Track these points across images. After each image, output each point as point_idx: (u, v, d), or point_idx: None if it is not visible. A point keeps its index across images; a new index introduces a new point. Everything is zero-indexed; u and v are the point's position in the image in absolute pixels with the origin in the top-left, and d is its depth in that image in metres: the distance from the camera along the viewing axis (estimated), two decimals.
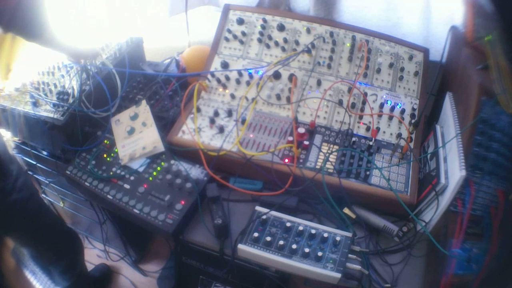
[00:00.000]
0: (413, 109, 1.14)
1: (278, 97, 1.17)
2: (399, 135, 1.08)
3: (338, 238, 0.90)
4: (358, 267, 0.88)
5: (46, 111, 1.17)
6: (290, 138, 1.07)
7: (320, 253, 0.87)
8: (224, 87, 1.22)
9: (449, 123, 0.96)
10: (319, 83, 1.18)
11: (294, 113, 1.13)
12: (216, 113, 1.16)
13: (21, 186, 1.20)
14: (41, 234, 1.38)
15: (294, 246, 0.89)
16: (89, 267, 1.81)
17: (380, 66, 1.18)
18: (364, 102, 1.14)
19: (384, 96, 1.15)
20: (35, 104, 1.20)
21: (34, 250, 1.51)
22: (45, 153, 1.33)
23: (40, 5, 0.94)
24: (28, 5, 0.91)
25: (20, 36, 0.98)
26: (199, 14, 1.60)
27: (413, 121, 1.10)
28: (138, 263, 1.83)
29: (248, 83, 1.20)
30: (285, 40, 1.24)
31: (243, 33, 1.28)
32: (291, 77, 1.18)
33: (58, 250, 1.47)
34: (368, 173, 1.01)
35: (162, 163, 1.11)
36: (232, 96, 1.19)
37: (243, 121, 1.12)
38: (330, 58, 1.21)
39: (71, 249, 1.52)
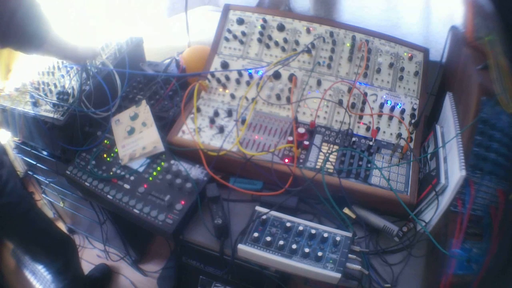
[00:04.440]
0: (413, 109, 1.14)
1: (278, 97, 1.17)
2: (399, 135, 1.08)
3: (338, 238, 0.90)
4: (358, 267, 0.88)
5: (46, 111, 1.17)
6: (290, 138, 1.07)
7: (320, 253, 0.87)
8: (224, 87, 1.22)
9: (449, 123, 0.96)
10: (319, 83, 1.18)
11: (294, 113, 1.13)
12: (216, 113, 1.16)
13: (10, 190, 1.23)
14: (32, 237, 1.39)
15: (294, 246, 0.89)
16: (89, 267, 1.82)
17: (380, 66, 1.18)
18: (364, 102, 1.14)
19: (384, 96, 1.15)
20: (35, 104, 1.20)
21: (26, 252, 1.53)
22: (45, 153, 1.33)
23: (39, 13, 0.91)
24: (25, 14, 0.87)
25: (18, 49, 0.94)
26: (199, 14, 1.60)
27: (413, 121, 1.10)
28: (138, 263, 1.83)
29: (248, 83, 1.20)
30: (285, 40, 1.24)
31: (243, 33, 1.28)
32: (291, 77, 1.18)
33: (50, 253, 1.48)
34: (368, 173, 1.01)
35: (162, 163, 1.11)
36: (232, 96, 1.19)
37: (243, 121, 1.12)
38: (330, 58, 1.21)
39: (64, 253, 1.54)
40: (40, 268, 1.70)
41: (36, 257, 1.53)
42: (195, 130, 1.13)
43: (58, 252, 1.50)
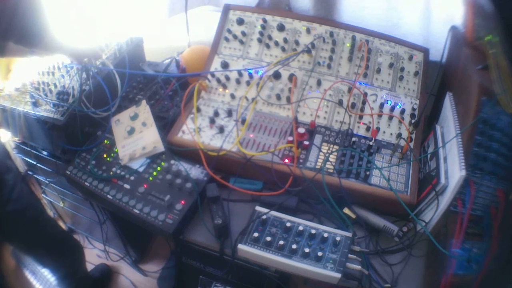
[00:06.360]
0: (413, 109, 1.14)
1: (278, 97, 1.17)
2: (399, 135, 1.08)
3: (338, 238, 0.90)
4: (358, 267, 0.88)
5: (46, 111, 1.17)
6: (290, 138, 1.07)
7: (320, 253, 0.87)
8: (224, 87, 1.22)
9: (449, 123, 0.96)
10: (319, 83, 1.18)
11: (294, 113, 1.13)
12: (216, 113, 1.16)
13: (17, 196, 1.21)
14: (40, 243, 1.37)
15: (294, 246, 0.89)
16: (89, 267, 1.82)
17: (380, 66, 1.18)
18: (364, 102, 1.14)
19: (384, 96, 1.15)
20: (35, 104, 1.20)
21: (33, 257, 1.51)
22: (45, 153, 1.33)
23: (39, 9, 0.92)
24: (27, 10, 0.88)
25: (19, 44, 0.95)
26: (199, 14, 1.60)
27: (413, 121, 1.10)
28: (138, 263, 1.83)
29: (248, 83, 1.20)
30: (285, 40, 1.24)
31: (243, 33, 1.28)
32: (291, 77, 1.18)
33: (57, 258, 1.47)
34: (368, 173, 1.01)
35: (162, 163, 1.11)
36: (232, 96, 1.19)
37: (243, 121, 1.12)
38: (330, 58, 1.21)
39: (71, 257, 1.52)
40: (44, 272, 1.69)
41: (43, 262, 1.50)
42: (195, 130, 1.13)
43: (65, 257, 1.48)
